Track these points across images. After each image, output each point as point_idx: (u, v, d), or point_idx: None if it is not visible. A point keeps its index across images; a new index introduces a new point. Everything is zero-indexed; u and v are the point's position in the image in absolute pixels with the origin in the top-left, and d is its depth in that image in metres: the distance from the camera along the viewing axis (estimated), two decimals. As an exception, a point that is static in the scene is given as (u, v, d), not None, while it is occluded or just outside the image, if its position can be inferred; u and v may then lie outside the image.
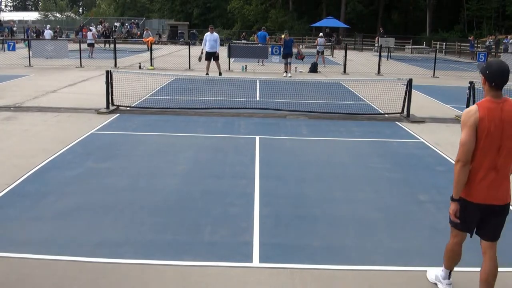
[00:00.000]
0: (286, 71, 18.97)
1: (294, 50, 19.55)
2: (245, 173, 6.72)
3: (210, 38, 18.22)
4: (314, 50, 24.68)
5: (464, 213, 3.53)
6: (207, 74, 17.80)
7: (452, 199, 3.51)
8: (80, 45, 22.22)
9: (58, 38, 37.95)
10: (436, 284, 3.93)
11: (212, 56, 18.22)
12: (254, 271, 4.13)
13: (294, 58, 19.94)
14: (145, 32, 36.76)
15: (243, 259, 4.31)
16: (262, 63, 23.22)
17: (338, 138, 9.08)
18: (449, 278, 3.87)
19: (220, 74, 18.04)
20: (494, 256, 3.65)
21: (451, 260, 3.82)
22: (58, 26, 50.63)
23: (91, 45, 26.79)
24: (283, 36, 20.00)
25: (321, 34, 27.04)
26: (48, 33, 29.43)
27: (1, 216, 5.11)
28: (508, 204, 3.55)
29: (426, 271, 4.11)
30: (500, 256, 4.51)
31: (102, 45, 35.21)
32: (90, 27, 31.41)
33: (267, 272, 4.11)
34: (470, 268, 4.11)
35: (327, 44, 29.61)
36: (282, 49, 19.54)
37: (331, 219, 5.26)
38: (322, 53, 23.89)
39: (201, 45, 20.00)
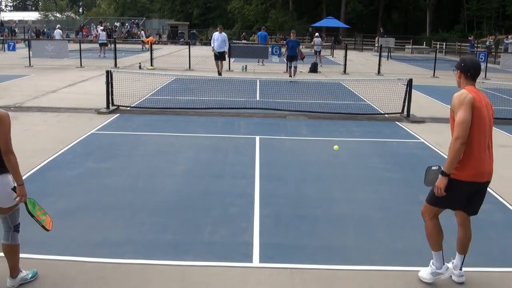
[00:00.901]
0: (290, 75, 17.00)
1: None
2: (245, 173, 6.72)
3: (218, 37, 18.39)
4: (313, 50, 24.83)
5: (451, 193, 3.66)
6: (219, 73, 17.93)
7: (444, 174, 3.63)
8: (80, 45, 22.22)
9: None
10: (431, 281, 3.91)
11: (220, 55, 18.44)
12: (254, 271, 4.13)
13: (299, 47, 18.06)
14: (141, 32, 37.35)
15: (243, 259, 4.31)
16: (262, 63, 23.22)
17: (338, 138, 9.07)
18: (445, 263, 3.89)
19: (219, 74, 18.10)
20: (470, 224, 3.90)
21: (438, 236, 3.84)
22: (58, 26, 50.65)
23: (103, 44, 26.80)
24: (291, 36, 18.08)
25: (317, 34, 27.31)
26: (58, 33, 29.40)
27: (1, 216, 5.10)
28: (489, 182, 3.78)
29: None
30: (500, 256, 4.53)
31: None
32: (102, 27, 31.58)
33: (267, 272, 4.12)
34: (470, 268, 4.10)
35: (324, 44, 29.79)
36: (285, 51, 17.86)
37: (331, 219, 5.26)
38: (319, 52, 24.19)
39: (201, 45, 20.03)
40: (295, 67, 17.50)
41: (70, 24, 59.85)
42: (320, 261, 4.32)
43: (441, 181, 3.64)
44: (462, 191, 3.69)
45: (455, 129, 3.62)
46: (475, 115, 3.58)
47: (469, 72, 3.72)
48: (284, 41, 22.24)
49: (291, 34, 18.25)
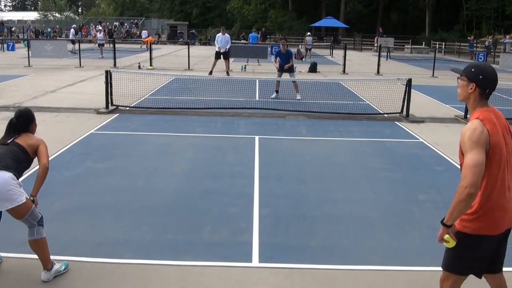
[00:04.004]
0: (292, 91, 13.27)
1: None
2: (245, 173, 6.71)
3: (222, 39, 18.56)
4: (314, 50, 25.59)
5: (478, 252, 2.87)
6: (210, 72, 17.91)
7: (446, 225, 2.78)
8: (79, 45, 22.22)
9: (57, 38, 37.99)
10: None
11: (221, 55, 18.56)
12: (254, 271, 4.13)
13: (293, 58, 14.02)
14: (143, 31, 37.66)
15: (242, 259, 4.31)
16: (258, 62, 23.21)
17: (338, 138, 9.08)
18: None
19: (227, 73, 18.14)
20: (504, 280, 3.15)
21: None
22: (57, 26, 50.64)
23: (101, 44, 26.89)
24: (281, 47, 13.68)
25: (308, 33, 30.50)
26: (72, 32, 29.36)
27: (2, 216, 5.10)
28: None
29: (426, 271, 4.09)
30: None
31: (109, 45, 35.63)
32: (99, 28, 31.55)
33: (267, 272, 4.11)
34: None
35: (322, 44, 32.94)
36: (277, 64, 13.56)
37: (330, 219, 5.26)
38: (310, 50, 27.66)
39: (200, 45, 20.04)
40: (294, 82, 13.29)
41: (70, 24, 59.78)
42: (320, 261, 4.32)
43: (440, 231, 2.82)
44: (484, 248, 2.86)
45: (463, 173, 2.68)
46: (494, 155, 2.75)
47: (487, 88, 2.83)
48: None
49: (281, 46, 13.60)
